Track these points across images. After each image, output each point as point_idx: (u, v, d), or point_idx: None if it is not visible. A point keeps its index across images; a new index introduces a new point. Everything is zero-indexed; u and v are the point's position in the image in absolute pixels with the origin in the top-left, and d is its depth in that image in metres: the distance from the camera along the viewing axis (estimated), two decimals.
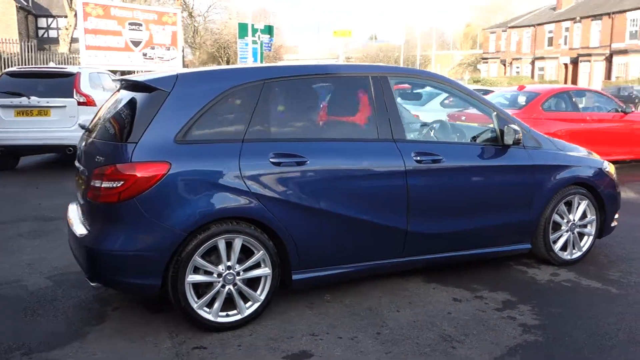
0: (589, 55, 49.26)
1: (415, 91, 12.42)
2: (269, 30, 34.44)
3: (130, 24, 32.44)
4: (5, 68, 23.85)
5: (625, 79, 43.99)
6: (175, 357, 3.59)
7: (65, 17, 40.38)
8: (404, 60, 57.03)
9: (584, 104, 11.12)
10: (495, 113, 4.90)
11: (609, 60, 48.00)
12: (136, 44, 32.99)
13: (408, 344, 3.75)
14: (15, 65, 24.63)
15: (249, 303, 4.00)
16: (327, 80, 4.66)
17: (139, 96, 4.00)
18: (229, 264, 3.89)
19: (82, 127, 4.68)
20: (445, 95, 12.82)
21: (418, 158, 4.43)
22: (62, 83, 10.42)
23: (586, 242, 5.37)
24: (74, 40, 36.49)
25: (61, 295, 4.56)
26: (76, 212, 4.45)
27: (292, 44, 79.77)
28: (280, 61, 57.51)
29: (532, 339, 3.83)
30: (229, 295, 3.92)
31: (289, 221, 4.01)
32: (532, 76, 55.83)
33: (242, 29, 32.34)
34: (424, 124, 5.68)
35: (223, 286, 3.89)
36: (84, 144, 4.31)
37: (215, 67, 5.51)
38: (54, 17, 51.57)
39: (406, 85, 9.36)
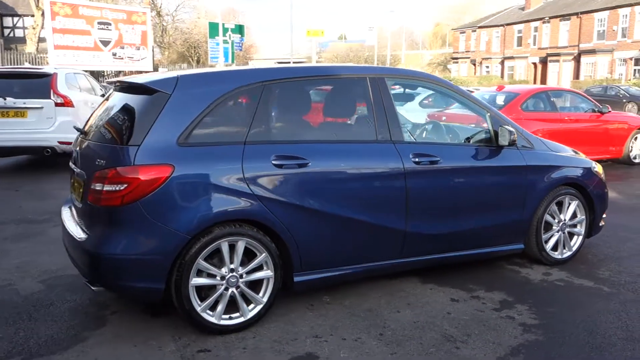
0: (558, 55, 50.03)
1: (407, 92, 12.48)
2: (239, 29, 34.40)
3: (99, 23, 32.06)
4: None
5: (593, 78, 44.78)
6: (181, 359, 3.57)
7: (32, 16, 39.73)
8: (376, 61, 57.31)
9: (562, 104, 11.28)
10: (489, 114, 4.95)
11: (577, 60, 48.82)
12: (105, 43, 32.60)
13: (412, 345, 3.77)
14: None
15: (252, 305, 3.98)
16: (326, 82, 4.67)
17: (138, 98, 3.95)
18: (232, 266, 3.87)
19: (77, 129, 4.61)
20: (424, 95, 12.98)
21: (416, 159, 4.46)
22: (39, 84, 10.19)
23: (576, 242, 5.46)
24: (41, 39, 35.92)
25: (56, 299, 4.48)
26: (70, 215, 4.38)
27: (260, 44, 79.68)
28: (251, 61, 57.32)
29: (533, 338, 3.88)
30: (232, 297, 3.90)
31: (291, 223, 4.00)
32: (502, 76, 56.51)
33: (213, 28, 32.22)
34: (417, 125, 5.71)
35: (226, 289, 3.87)
36: (80, 146, 4.24)
37: (214, 69, 5.48)
38: (19, 16, 50.50)
39: (395, 87, 9.37)
